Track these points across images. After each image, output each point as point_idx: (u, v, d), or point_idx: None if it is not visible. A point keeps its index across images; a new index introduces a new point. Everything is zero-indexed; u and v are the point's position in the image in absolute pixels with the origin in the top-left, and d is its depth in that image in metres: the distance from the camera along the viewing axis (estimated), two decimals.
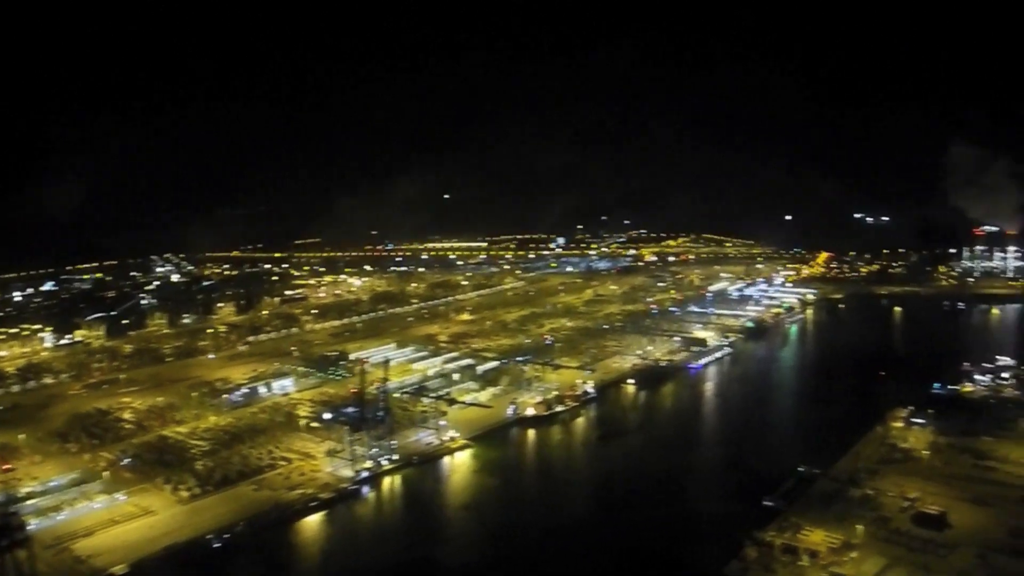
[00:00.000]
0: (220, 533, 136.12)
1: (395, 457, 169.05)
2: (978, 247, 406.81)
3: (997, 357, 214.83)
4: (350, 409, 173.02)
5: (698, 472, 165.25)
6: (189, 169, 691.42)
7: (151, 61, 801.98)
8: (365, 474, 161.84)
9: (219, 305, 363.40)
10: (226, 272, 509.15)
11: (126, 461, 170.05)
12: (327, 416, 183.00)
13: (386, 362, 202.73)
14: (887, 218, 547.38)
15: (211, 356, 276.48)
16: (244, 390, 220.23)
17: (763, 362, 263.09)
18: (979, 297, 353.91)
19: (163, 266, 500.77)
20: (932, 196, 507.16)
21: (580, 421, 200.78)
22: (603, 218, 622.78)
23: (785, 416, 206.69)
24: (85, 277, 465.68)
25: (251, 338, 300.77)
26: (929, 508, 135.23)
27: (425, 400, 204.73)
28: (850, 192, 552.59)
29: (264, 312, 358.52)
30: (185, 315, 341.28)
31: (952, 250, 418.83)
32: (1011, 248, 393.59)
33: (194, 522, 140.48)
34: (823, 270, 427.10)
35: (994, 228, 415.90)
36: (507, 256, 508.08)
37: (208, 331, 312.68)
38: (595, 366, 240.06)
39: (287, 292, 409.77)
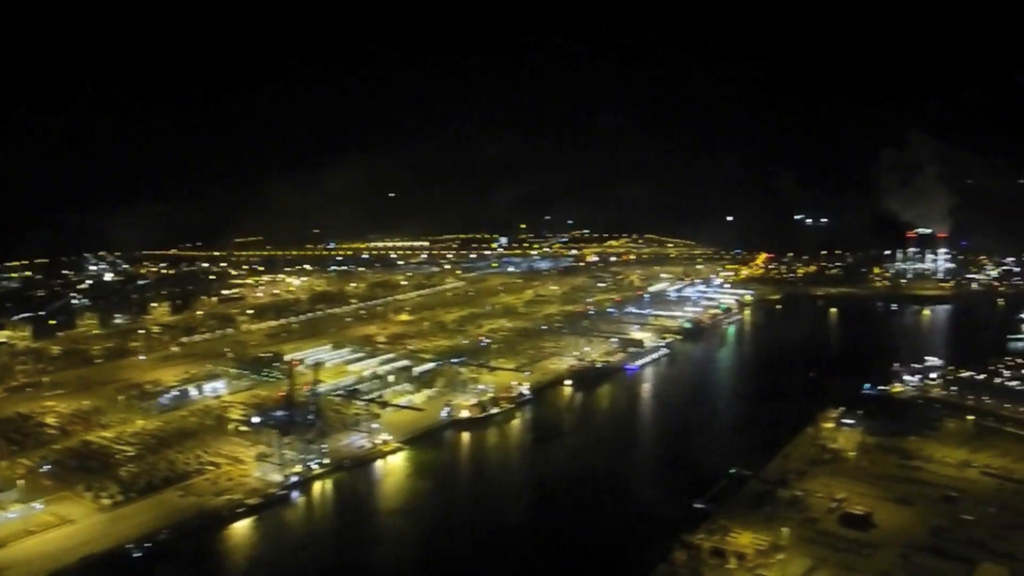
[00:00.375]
0: (141, 542, 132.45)
1: (326, 461, 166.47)
2: (911, 249, 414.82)
3: (926, 358, 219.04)
4: (280, 412, 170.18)
5: (631, 474, 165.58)
6: (121, 164, 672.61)
7: (82, 50, 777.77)
8: (295, 479, 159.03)
9: (153, 305, 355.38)
10: (163, 271, 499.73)
11: (46, 468, 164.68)
12: (256, 420, 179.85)
13: (317, 364, 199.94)
14: (826, 220, 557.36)
15: (142, 357, 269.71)
16: (174, 393, 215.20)
17: (700, 363, 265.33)
18: (911, 298, 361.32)
19: (96, 265, 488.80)
20: (870, 199, 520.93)
21: (515, 423, 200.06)
22: (546, 218, 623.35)
23: (719, 417, 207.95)
24: (13, 276, 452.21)
25: (185, 339, 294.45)
26: (855, 508, 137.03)
27: (358, 402, 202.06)
28: (792, 193, 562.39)
29: (200, 312, 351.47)
30: (117, 315, 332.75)
31: (887, 252, 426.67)
32: (941, 251, 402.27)
33: (115, 531, 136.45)
34: (762, 271, 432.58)
35: (926, 231, 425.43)
36: (449, 256, 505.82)
37: (140, 332, 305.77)
38: (532, 367, 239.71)
39: (224, 292, 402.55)
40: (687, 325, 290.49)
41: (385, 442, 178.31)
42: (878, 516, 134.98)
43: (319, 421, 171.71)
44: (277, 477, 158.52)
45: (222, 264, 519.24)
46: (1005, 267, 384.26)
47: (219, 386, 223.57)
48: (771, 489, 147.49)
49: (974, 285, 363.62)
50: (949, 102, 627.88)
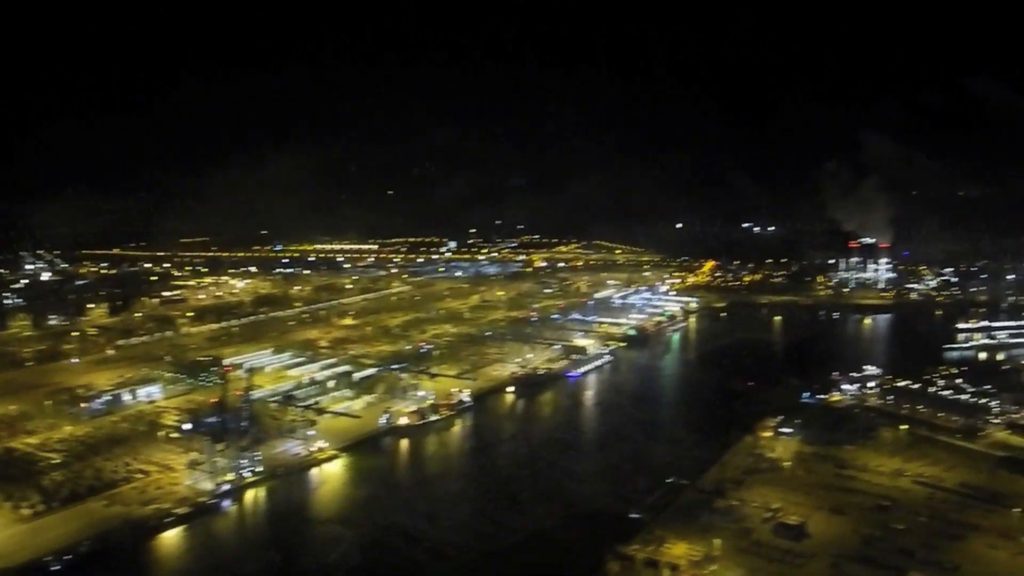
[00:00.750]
0: (61, 554, 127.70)
1: (259, 469, 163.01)
2: (853, 259, 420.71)
3: (865, 367, 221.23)
4: (212, 419, 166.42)
5: (568, 484, 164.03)
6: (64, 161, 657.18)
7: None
8: (226, 487, 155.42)
9: (90, 306, 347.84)
10: (103, 271, 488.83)
11: None
12: (187, 427, 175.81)
13: (250, 369, 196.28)
14: (773, 228, 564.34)
15: (76, 361, 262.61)
16: (106, 397, 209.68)
17: (643, 371, 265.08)
18: (853, 307, 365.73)
19: (34, 263, 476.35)
20: (817, 208, 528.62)
21: (455, 430, 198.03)
22: (497, 222, 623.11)
23: (659, 426, 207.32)
24: None
25: (122, 341, 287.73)
26: (789, 518, 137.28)
27: (295, 409, 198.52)
28: (740, 202, 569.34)
29: (139, 314, 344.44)
30: (52, 316, 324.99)
31: (831, 261, 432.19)
32: (883, 260, 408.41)
33: (33, 543, 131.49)
34: (708, 279, 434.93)
35: (869, 241, 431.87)
36: (396, 259, 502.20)
37: (75, 334, 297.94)
38: (475, 374, 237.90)
39: (165, 293, 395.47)
40: (631, 332, 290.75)
41: (321, 449, 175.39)
42: (812, 526, 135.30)
43: (253, 428, 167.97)
44: (208, 485, 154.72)
45: (165, 265, 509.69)
46: (944, 277, 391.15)
47: (154, 391, 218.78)
48: (707, 499, 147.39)
49: (913, 295, 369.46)
50: (900, 111, 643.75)
